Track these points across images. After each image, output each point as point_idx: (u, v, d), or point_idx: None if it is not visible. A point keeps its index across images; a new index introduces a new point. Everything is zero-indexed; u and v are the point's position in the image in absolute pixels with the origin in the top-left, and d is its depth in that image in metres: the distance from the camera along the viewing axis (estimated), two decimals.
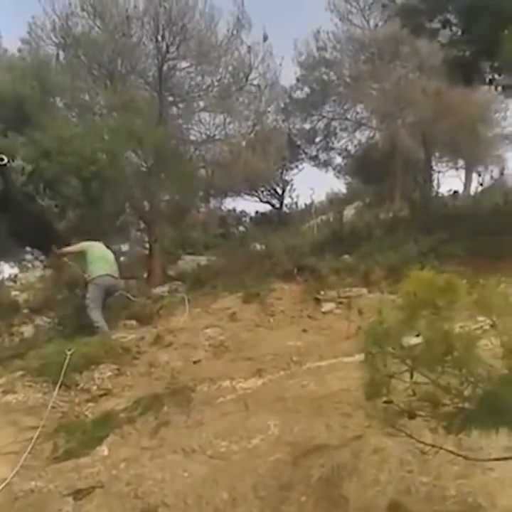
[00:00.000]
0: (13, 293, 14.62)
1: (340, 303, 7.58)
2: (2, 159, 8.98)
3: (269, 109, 16.33)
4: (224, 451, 4.64)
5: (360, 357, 2.88)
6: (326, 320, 7.33)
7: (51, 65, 12.04)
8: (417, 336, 2.67)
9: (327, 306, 7.56)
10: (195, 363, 6.71)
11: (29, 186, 9.58)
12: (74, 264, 9.56)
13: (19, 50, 12.08)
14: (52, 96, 11.26)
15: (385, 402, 2.79)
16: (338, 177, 23.72)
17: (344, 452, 4.04)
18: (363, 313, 6.99)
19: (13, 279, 15.68)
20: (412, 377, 2.67)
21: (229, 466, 4.38)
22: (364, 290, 7.88)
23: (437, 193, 18.72)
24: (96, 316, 8.50)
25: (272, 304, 7.69)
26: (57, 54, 13.56)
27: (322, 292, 7.75)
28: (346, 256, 9.54)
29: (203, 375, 6.27)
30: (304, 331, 7.13)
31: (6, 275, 15.55)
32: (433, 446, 3.09)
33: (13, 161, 9.12)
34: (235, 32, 14.47)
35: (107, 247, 9.75)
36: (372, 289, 7.94)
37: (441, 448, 3.07)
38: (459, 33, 10.46)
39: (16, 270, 14.47)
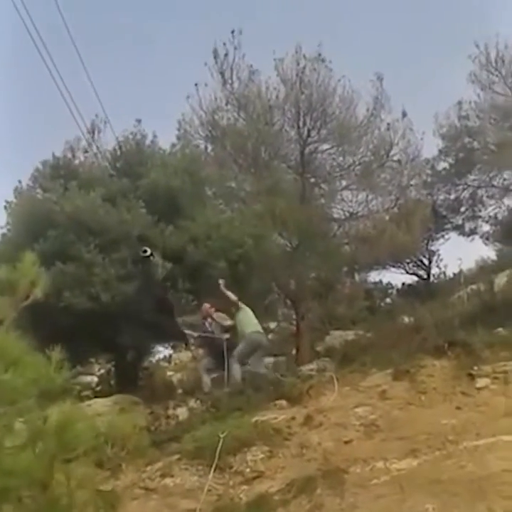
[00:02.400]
0: (168, 373, 15.28)
1: (496, 378, 7.23)
2: (146, 251, 9.70)
3: (411, 182, 16.35)
4: None
5: None
6: (481, 396, 7.01)
7: (200, 159, 12.91)
8: None
9: (482, 382, 7.23)
10: (346, 443, 6.56)
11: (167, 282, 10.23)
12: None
13: (172, 146, 13.06)
14: (201, 187, 12.01)
15: None
16: (486, 244, 22.94)
17: None
18: None
19: (168, 360, 16.36)
20: None
21: None
22: None
23: None
24: (237, 371, 9.88)
25: (423, 380, 7.48)
26: (206, 146, 14.56)
27: (476, 367, 7.46)
28: (500, 329, 9.18)
29: (355, 455, 6.14)
30: (459, 408, 6.86)
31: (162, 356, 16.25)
32: None
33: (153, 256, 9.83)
34: (374, 111, 14.80)
35: None
36: None
37: None
38: None
39: (170, 350, 15.10)
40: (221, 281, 10.43)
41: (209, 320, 10.70)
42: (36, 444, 3.08)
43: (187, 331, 10.45)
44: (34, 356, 3.26)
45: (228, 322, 10.65)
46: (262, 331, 10.94)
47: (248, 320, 10.59)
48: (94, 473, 3.53)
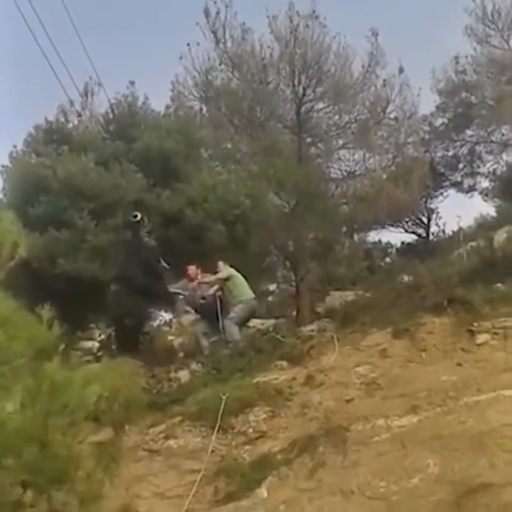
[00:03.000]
0: (169, 337, 15.31)
1: (496, 333, 7.22)
2: (136, 216, 9.66)
3: (408, 140, 16.22)
4: (383, 492, 4.58)
5: None
6: (482, 352, 7.01)
7: (194, 120, 12.76)
8: None
9: (481, 338, 7.22)
10: (347, 401, 6.60)
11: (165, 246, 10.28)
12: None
13: (166, 108, 12.90)
14: (196, 148, 11.90)
15: None
16: (486, 201, 22.85)
17: (511, 491, 3.90)
18: None
19: (169, 324, 16.39)
20: None
21: (389, 507, 4.33)
22: None
23: None
24: (236, 332, 10.05)
25: (423, 338, 7.46)
26: (200, 107, 14.37)
27: (475, 324, 7.45)
28: (499, 284, 9.16)
29: (357, 414, 6.17)
30: (459, 364, 6.87)
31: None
32: None
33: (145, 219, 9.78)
34: (369, 68, 14.60)
35: None
36: None
37: None
38: None
39: (170, 315, 15.11)
40: (220, 264, 10.65)
41: (196, 283, 10.74)
42: (33, 405, 3.09)
43: (176, 290, 10.40)
44: (25, 315, 3.26)
45: (213, 278, 10.68)
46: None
47: (244, 286, 10.70)
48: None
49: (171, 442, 6.55)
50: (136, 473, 5.99)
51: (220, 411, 6.51)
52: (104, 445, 3.69)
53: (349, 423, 6.00)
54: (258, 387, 7.19)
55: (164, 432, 6.76)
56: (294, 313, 14.75)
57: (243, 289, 10.65)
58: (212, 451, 6.16)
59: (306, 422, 6.41)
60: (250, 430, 6.47)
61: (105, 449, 3.70)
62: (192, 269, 10.53)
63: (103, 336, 14.30)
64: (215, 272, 10.71)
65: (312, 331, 10.25)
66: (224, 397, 6.70)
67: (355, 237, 20.97)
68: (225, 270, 10.64)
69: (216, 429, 6.39)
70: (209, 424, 6.53)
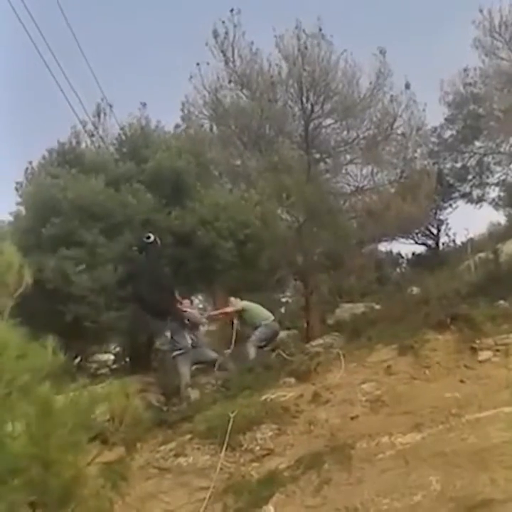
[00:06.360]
0: None
1: (498, 350, 7.34)
2: (149, 237, 9.86)
3: (416, 154, 16.33)
4: (386, 509, 4.71)
5: None
6: (484, 369, 7.12)
7: (204, 139, 12.96)
8: None
9: (484, 355, 7.34)
10: (352, 419, 6.71)
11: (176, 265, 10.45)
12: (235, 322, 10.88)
13: (176, 127, 13.13)
14: (207, 167, 12.08)
15: None
16: (496, 210, 22.89)
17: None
18: None
19: None
20: None
21: None
22: None
23: None
24: (252, 353, 10.22)
25: (427, 355, 7.58)
26: (211, 126, 14.59)
27: (478, 341, 7.57)
28: (501, 301, 9.26)
29: (362, 431, 6.29)
30: (462, 381, 6.98)
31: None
32: None
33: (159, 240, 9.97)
34: (377, 85, 14.75)
35: None
36: None
37: None
38: None
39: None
40: (232, 299, 11.06)
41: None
42: (37, 427, 3.24)
43: (191, 312, 10.56)
44: (30, 341, 3.44)
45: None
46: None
47: (261, 311, 11.03)
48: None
49: (181, 460, 6.69)
50: (147, 491, 6.16)
51: (228, 429, 6.64)
52: (113, 464, 3.84)
53: (354, 440, 6.13)
54: (265, 405, 7.31)
55: (174, 449, 6.90)
56: (305, 325, 14.85)
57: (261, 314, 10.92)
58: (221, 469, 6.28)
59: (312, 440, 6.53)
60: (258, 448, 6.58)
61: (114, 468, 3.85)
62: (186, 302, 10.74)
63: (118, 349, 14.48)
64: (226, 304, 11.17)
65: (321, 345, 10.40)
66: (232, 415, 6.82)
67: (366, 249, 21.00)
68: (237, 304, 10.97)
69: (224, 446, 6.52)
70: (218, 441, 6.66)
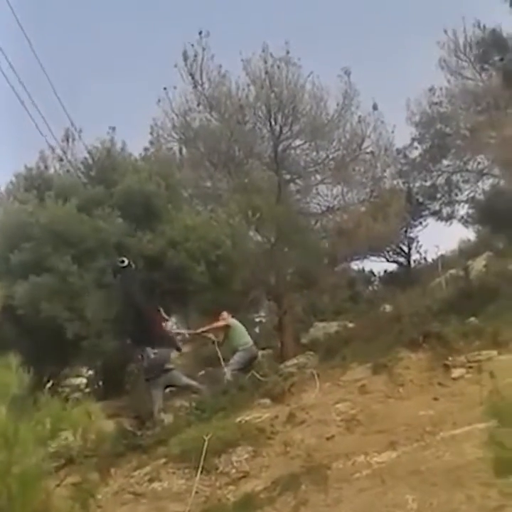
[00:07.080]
0: None
1: (470, 367, 7.41)
2: (123, 261, 9.82)
3: (385, 173, 16.56)
4: None
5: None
6: (457, 386, 7.17)
7: (174, 161, 12.97)
8: None
9: (457, 372, 7.41)
10: (328, 439, 6.67)
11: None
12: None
13: (144, 150, 13.14)
14: (176, 189, 12.06)
15: None
16: (466, 226, 23.23)
17: None
18: (494, 377, 6.83)
19: None
20: None
21: None
22: (494, 352, 7.69)
23: None
24: (235, 377, 10.14)
25: (401, 373, 7.61)
26: (180, 148, 14.61)
27: (450, 358, 7.64)
28: (472, 318, 9.35)
29: (338, 451, 6.25)
30: (435, 399, 7.01)
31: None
32: None
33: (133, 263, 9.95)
34: (344, 105, 14.96)
35: None
36: (502, 351, 7.74)
37: None
38: None
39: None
40: (224, 314, 11.16)
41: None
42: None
43: (181, 331, 10.65)
44: None
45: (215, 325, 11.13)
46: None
47: (244, 335, 11.09)
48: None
49: (156, 484, 6.55)
50: None
51: (203, 452, 6.54)
52: (81, 484, 3.77)
53: (330, 461, 6.07)
54: (240, 427, 7.24)
55: (149, 474, 6.77)
56: (279, 344, 14.85)
57: (243, 337, 11.00)
58: (197, 493, 6.16)
59: (288, 461, 6.45)
60: (233, 470, 6.49)
61: (82, 487, 3.78)
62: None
63: (91, 372, 14.29)
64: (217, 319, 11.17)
65: (295, 365, 10.39)
66: (207, 438, 6.70)
67: (338, 268, 21.10)
68: (228, 319, 11.07)
69: (199, 470, 6.41)
70: (193, 465, 6.55)
